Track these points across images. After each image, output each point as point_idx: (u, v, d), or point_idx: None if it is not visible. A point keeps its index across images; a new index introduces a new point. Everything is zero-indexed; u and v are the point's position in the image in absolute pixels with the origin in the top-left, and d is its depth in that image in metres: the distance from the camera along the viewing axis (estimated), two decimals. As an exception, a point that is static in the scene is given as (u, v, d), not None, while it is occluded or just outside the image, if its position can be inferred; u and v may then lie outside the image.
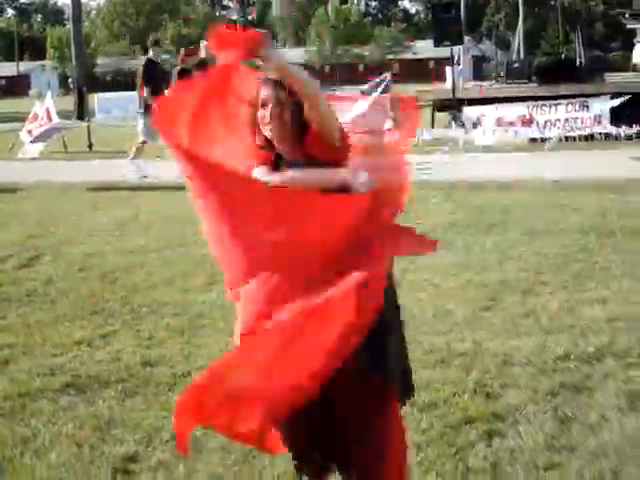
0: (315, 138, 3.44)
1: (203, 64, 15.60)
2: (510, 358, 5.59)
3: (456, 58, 22.60)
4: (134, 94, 25.48)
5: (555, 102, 19.56)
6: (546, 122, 19.40)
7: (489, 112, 20.05)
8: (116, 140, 25.16)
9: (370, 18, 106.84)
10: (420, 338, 6.06)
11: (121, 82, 66.76)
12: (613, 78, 24.72)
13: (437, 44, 22.34)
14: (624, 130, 18.31)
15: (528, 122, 19.59)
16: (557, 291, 7.10)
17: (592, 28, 73.37)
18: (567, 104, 19.39)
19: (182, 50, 16.80)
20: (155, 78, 15.72)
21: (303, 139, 3.45)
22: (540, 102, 19.73)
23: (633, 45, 22.78)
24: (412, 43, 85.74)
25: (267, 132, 3.42)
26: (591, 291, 7.05)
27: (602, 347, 5.69)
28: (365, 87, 21.97)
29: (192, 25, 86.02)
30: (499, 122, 19.88)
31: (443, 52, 21.35)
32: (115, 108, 24.26)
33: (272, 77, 3.41)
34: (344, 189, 3.33)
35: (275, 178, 3.39)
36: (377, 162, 3.63)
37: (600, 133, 18.82)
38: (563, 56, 32.74)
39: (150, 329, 6.57)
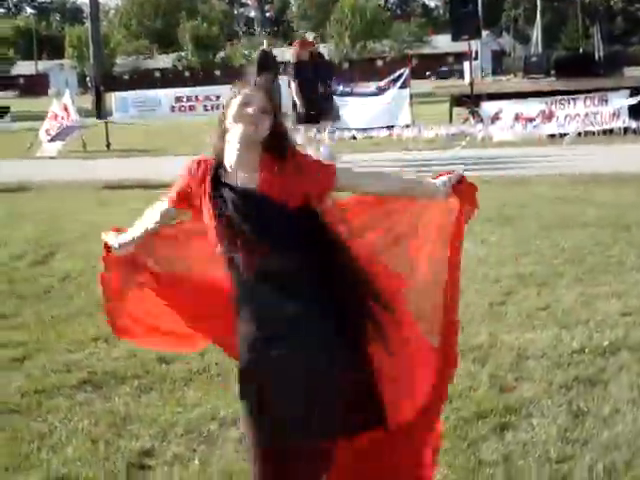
0: (287, 175, 3.25)
1: (317, 55, 15.50)
2: (525, 351, 5.60)
3: (474, 52, 22.52)
4: (151, 93, 25.63)
5: (574, 97, 19.48)
6: (566, 117, 19.32)
7: (508, 107, 19.99)
8: (134, 139, 25.31)
9: (389, 13, 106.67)
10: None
11: (139, 81, 66.87)
12: (633, 72, 24.63)
13: (455, 39, 22.29)
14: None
15: (548, 117, 19.52)
16: (572, 285, 7.09)
17: (612, 23, 73.03)
18: (586, 99, 19.30)
19: (296, 42, 16.08)
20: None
21: (270, 163, 3.28)
22: (559, 97, 19.65)
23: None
24: (430, 38, 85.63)
25: (247, 127, 3.27)
26: (606, 285, 7.03)
27: (617, 341, 5.69)
28: (382, 83, 21.98)
29: (210, 23, 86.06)
30: (518, 117, 19.81)
31: (462, 47, 21.23)
32: (133, 107, 24.35)
33: (262, 86, 3.38)
34: None
35: None
36: None
37: (619, 128, 18.73)
38: (582, 50, 32.67)
39: (167, 326, 6.59)
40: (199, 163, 3.44)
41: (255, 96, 3.32)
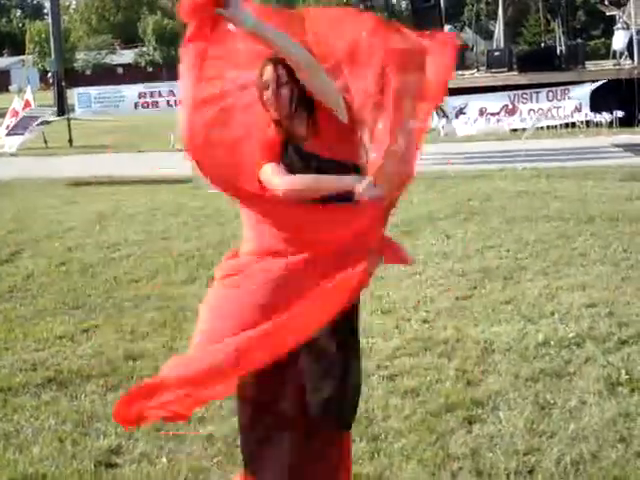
0: (324, 117, 3.43)
1: None
2: (491, 345, 5.62)
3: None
4: (113, 88, 25.46)
5: (536, 91, 19.60)
6: (529, 111, 19.43)
7: (472, 102, 20.06)
8: (96, 135, 25.17)
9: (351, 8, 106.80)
10: (403, 326, 6.11)
11: (101, 77, 66.40)
12: (594, 66, 24.82)
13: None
14: (605, 117, 18.37)
15: (511, 112, 19.62)
16: (537, 278, 7.14)
17: (573, 17, 73.45)
18: (548, 92, 19.42)
19: None
20: None
21: (312, 119, 3.45)
22: (521, 91, 19.77)
23: (613, 32, 22.79)
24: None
25: (273, 113, 3.43)
26: (570, 277, 7.09)
27: (582, 333, 5.73)
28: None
29: (172, 17, 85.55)
30: (482, 112, 19.89)
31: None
32: (95, 103, 24.14)
33: (272, 57, 3.42)
34: (347, 197, 3.31)
35: (283, 181, 3.36)
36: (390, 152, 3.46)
37: (581, 121, 18.88)
38: (543, 44, 32.76)
39: (132, 323, 6.57)
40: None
41: (272, 71, 3.42)
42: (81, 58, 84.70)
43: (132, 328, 6.44)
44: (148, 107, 23.50)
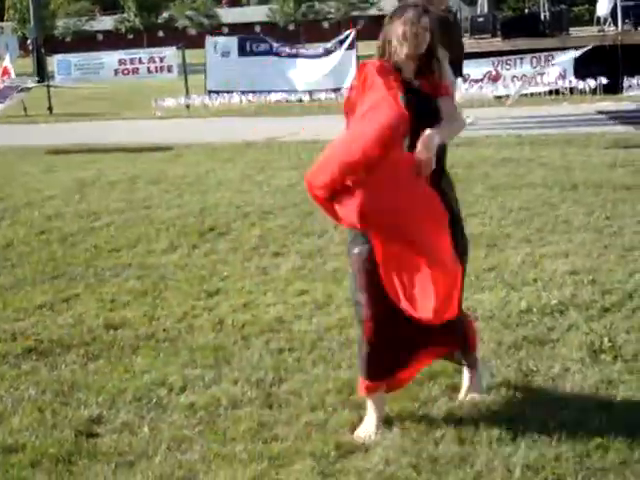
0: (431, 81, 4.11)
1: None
2: (474, 312, 5.58)
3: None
4: (93, 55, 25.21)
5: (520, 57, 19.54)
6: (512, 78, 19.36)
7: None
8: (76, 102, 24.97)
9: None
10: (384, 294, 6.07)
11: (81, 43, 65.80)
12: (578, 32, 24.73)
13: (400, 0, 22.19)
14: (589, 84, 18.31)
15: (494, 78, 19.56)
16: (520, 245, 7.12)
17: (556, -18, 73.17)
18: (532, 59, 19.36)
19: None
20: None
21: (425, 70, 4.10)
22: (505, 57, 19.70)
23: (597, -1, 22.71)
24: None
25: (407, 47, 4.02)
26: (554, 245, 7.07)
27: (564, 300, 5.72)
28: (329, 44, 21.83)
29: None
30: (465, 78, 19.79)
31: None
32: (75, 70, 23.89)
33: (416, 3, 4.12)
34: None
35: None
36: None
37: (566, 88, 18.82)
38: (527, 11, 32.71)
39: (113, 292, 6.53)
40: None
41: (417, 16, 4.03)
42: (61, 25, 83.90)
43: (112, 297, 6.40)
44: (128, 74, 23.25)
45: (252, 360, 5.04)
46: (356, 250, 4.14)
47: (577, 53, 18.60)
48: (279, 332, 5.49)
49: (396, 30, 4.06)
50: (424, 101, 4.07)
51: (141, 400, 4.60)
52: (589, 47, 18.57)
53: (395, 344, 4.15)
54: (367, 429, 4.14)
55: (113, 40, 72.67)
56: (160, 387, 4.75)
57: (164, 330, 5.64)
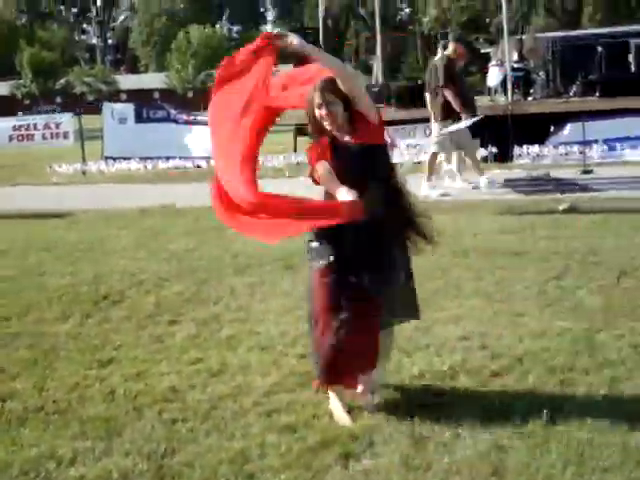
0: (361, 122, 4.93)
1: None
2: (368, 379, 5.63)
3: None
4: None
5: (413, 126, 19.94)
6: (407, 146, 19.73)
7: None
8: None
9: (233, 42, 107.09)
10: (281, 361, 6.08)
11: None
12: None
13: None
14: (480, 152, 18.75)
15: (391, 147, 19.88)
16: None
17: (450, 53, 75.01)
18: (425, 128, 19.77)
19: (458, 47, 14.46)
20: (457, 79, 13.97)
21: (353, 125, 4.92)
22: (399, 126, 20.08)
23: (488, 69, 23.43)
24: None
25: (327, 126, 4.91)
26: (445, 310, 7.18)
27: (456, 365, 5.80)
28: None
29: (50, 50, 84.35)
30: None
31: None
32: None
33: (320, 86, 4.90)
34: None
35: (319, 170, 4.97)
36: None
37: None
38: (420, 81, 33.45)
39: (2, 362, 6.37)
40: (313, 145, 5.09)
41: (320, 97, 4.91)
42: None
43: (1, 367, 6.24)
44: (23, 140, 22.96)
45: (144, 431, 4.96)
46: (317, 264, 5.01)
47: (468, 122, 19.07)
48: (172, 402, 5.43)
49: (313, 110, 4.97)
50: (355, 153, 4.93)
51: (29, 474, 4.49)
52: (479, 117, 19.09)
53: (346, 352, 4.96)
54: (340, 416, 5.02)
55: (8, 105, 71.68)
56: (49, 460, 4.64)
57: (54, 401, 5.51)
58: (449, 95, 13.60)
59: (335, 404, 5.12)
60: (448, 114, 13.91)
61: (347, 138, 4.98)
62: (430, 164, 14.40)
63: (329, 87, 4.91)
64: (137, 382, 5.82)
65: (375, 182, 4.90)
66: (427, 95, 14.43)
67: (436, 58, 14.13)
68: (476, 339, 6.34)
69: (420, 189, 13.54)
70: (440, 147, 14.00)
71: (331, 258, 4.96)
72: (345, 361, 5.01)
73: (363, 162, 4.92)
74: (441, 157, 15.00)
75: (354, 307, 4.94)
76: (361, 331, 4.97)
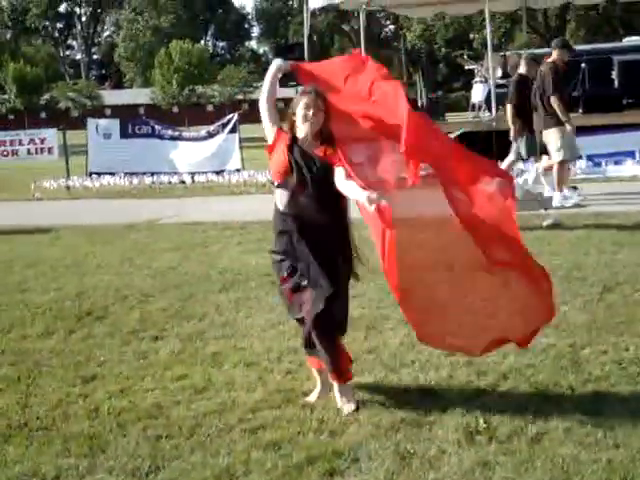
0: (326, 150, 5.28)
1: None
2: (354, 395, 5.62)
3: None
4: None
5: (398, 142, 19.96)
6: (393, 162, 19.75)
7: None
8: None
9: (218, 58, 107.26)
10: (266, 378, 6.07)
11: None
12: (454, 118, 25.57)
13: (281, 85, 22.50)
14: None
15: (375, 162, 19.93)
16: (398, 327, 7.18)
17: (435, 69, 75.58)
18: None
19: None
20: (525, 95, 13.59)
21: (322, 142, 5.28)
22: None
23: (472, 85, 23.55)
24: (260, 83, 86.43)
25: (306, 126, 5.27)
26: (431, 326, 7.17)
27: (441, 381, 5.81)
28: (212, 127, 21.98)
29: (34, 65, 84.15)
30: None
31: (291, 92, 21.50)
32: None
33: (317, 89, 5.28)
34: None
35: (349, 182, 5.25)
36: None
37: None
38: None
39: (-15, 379, 6.34)
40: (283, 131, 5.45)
41: (313, 99, 5.24)
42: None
43: (-16, 385, 6.21)
44: (8, 155, 22.89)
45: (128, 448, 4.94)
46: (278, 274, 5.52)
47: (451, 137, 19.16)
48: (157, 418, 5.41)
49: (298, 111, 5.27)
50: (314, 164, 5.25)
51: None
52: (461, 131, 19.18)
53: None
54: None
55: (-8, 121, 71.54)
56: (32, 478, 4.63)
57: (37, 418, 5.48)
58: (555, 103, 13.13)
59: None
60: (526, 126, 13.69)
61: (307, 144, 5.32)
62: (559, 174, 13.77)
63: (323, 95, 5.30)
64: (121, 399, 5.80)
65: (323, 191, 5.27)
66: (509, 108, 14.07)
67: (542, 67, 13.82)
68: (461, 355, 6.33)
69: (552, 201, 13.40)
70: (565, 154, 13.47)
71: (285, 274, 5.46)
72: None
73: (315, 169, 5.27)
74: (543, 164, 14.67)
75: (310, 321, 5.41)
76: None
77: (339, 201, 5.38)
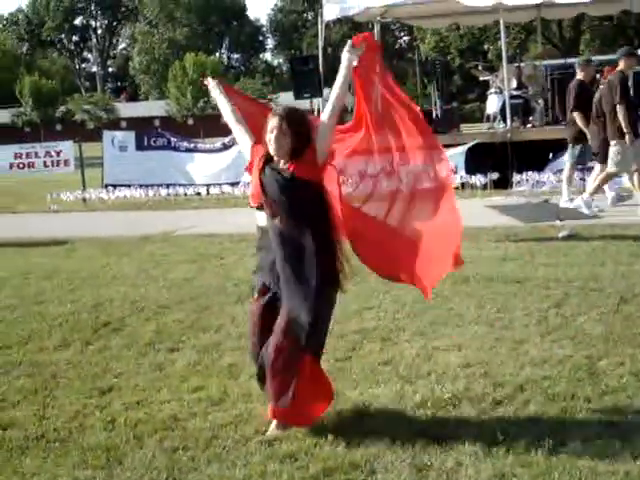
0: (304, 160, 5.07)
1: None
2: (369, 407, 5.63)
3: (316, 111, 22.85)
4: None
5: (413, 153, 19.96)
6: (408, 173, 19.73)
7: (350, 164, 20.33)
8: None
9: (233, 70, 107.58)
10: (280, 390, 6.05)
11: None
12: (469, 129, 25.53)
13: (297, 96, 22.55)
14: (479, 179, 18.82)
15: (389, 173, 19.92)
16: (414, 338, 7.20)
17: (449, 80, 75.53)
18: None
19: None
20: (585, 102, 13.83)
21: (292, 159, 5.05)
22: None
23: (487, 96, 23.47)
24: (275, 95, 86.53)
25: (271, 149, 5.07)
26: (447, 337, 7.18)
27: (457, 393, 5.78)
28: (227, 139, 22.03)
29: (50, 78, 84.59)
30: (361, 174, 20.15)
31: (305, 104, 21.53)
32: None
33: (282, 113, 5.07)
34: None
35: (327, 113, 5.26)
36: None
37: (457, 183, 19.26)
38: (419, 108, 33.57)
39: (3, 391, 6.37)
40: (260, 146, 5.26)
41: (277, 122, 5.03)
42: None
43: (2, 396, 6.24)
44: (24, 168, 23.01)
45: (145, 460, 4.94)
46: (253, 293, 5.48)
47: (465, 148, 19.12)
48: (173, 430, 5.42)
49: (267, 131, 5.10)
50: (285, 180, 5.07)
51: None
52: (474, 142, 19.14)
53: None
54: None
55: (9, 133, 71.87)
56: (49, 490, 4.63)
57: (55, 430, 5.50)
58: (621, 112, 13.02)
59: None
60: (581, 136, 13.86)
61: (282, 163, 5.14)
62: (602, 182, 13.91)
63: (290, 117, 5.09)
64: (138, 410, 5.81)
65: (297, 214, 5.11)
66: (576, 114, 14.19)
67: (610, 77, 13.85)
68: (478, 367, 6.33)
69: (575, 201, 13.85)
70: (621, 166, 13.45)
71: (255, 294, 5.47)
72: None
73: (284, 192, 5.08)
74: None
75: (274, 341, 5.19)
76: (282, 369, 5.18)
77: (321, 218, 5.19)
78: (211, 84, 5.89)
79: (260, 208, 5.33)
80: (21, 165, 22.95)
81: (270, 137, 5.06)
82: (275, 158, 5.15)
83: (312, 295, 5.10)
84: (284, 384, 5.15)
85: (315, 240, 5.10)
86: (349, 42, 5.25)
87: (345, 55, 5.24)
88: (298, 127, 5.07)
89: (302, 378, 5.18)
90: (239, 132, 5.55)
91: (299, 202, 5.09)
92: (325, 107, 5.30)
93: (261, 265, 5.46)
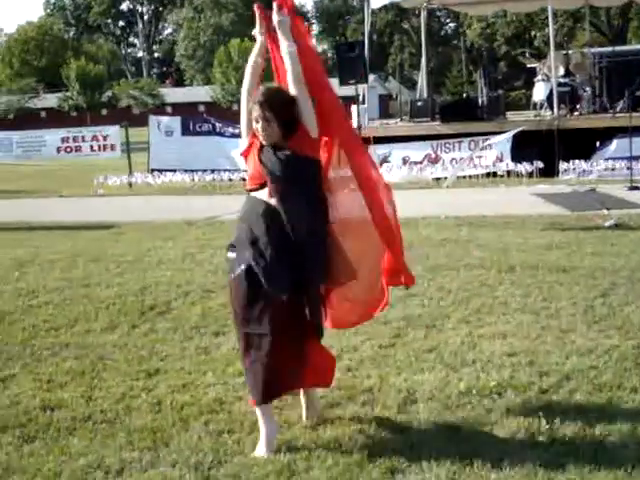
0: (298, 136, 4.91)
1: None
2: (413, 394, 5.62)
3: (361, 97, 22.79)
4: (36, 133, 25.09)
5: (458, 140, 19.94)
6: (451, 160, 19.74)
7: (396, 151, 20.34)
8: (17, 180, 24.83)
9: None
10: (325, 375, 6.06)
11: (24, 121, 65.44)
12: (515, 116, 25.35)
13: (342, 83, 22.47)
14: (525, 167, 18.72)
15: (434, 160, 19.93)
16: (459, 326, 7.18)
17: (495, 68, 74.95)
18: (470, 142, 19.76)
19: None
20: None
21: (287, 139, 4.90)
22: (444, 141, 20.09)
23: (534, 84, 23.28)
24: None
25: (261, 138, 4.92)
26: (492, 326, 7.15)
27: (503, 382, 5.76)
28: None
29: (97, 63, 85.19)
30: (405, 160, 20.17)
31: (350, 91, 21.46)
32: (17, 147, 23.82)
33: (261, 99, 4.87)
34: None
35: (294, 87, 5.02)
36: None
37: (503, 170, 19.19)
38: (465, 95, 33.39)
39: (50, 372, 6.44)
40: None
41: (259, 110, 4.88)
42: (4, 102, 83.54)
43: (50, 377, 6.31)
44: (71, 152, 23.24)
45: (191, 442, 4.99)
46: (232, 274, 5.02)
47: (510, 134, 19.01)
48: (219, 413, 5.46)
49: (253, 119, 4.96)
50: (279, 159, 4.89)
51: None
52: (520, 129, 19.03)
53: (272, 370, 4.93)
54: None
55: (56, 117, 72.53)
56: (97, 470, 4.68)
57: (101, 411, 5.56)
58: None
59: (263, 429, 4.98)
60: None
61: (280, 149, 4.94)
62: None
63: (270, 101, 4.86)
64: (183, 393, 5.86)
65: (297, 192, 4.91)
66: None
67: None
68: (523, 355, 6.30)
69: None
70: None
71: (242, 267, 4.92)
72: (273, 378, 4.93)
73: (285, 169, 4.86)
74: None
75: (272, 322, 4.86)
76: (284, 348, 4.88)
77: (318, 203, 5.04)
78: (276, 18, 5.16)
79: (258, 189, 5.12)
80: (68, 149, 23.18)
81: (257, 127, 4.91)
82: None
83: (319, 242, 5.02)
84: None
85: (312, 222, 4.98)
86: (275, 5, 5.09)
87: (276, 18, 5.10)
88: (280, 109, 4.86)
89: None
90: (244, 107, 5.18)
91: (300, 179, 4.91)
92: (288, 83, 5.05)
93: (241, 238, 5.24)
